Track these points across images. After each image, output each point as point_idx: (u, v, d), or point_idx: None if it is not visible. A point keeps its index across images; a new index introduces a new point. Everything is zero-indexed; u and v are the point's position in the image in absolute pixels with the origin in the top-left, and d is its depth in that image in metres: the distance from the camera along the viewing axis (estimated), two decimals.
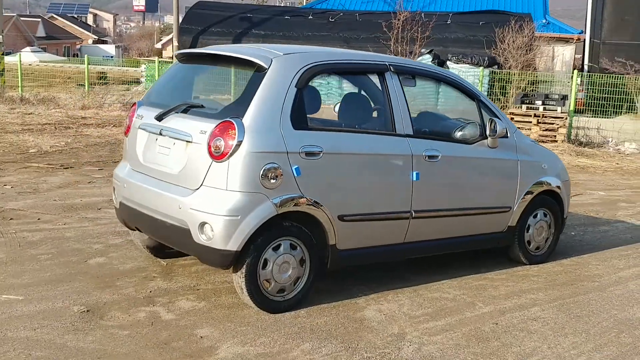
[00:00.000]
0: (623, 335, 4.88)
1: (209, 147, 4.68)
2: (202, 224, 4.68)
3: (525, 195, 6.28)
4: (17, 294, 5.03)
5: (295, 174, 4.79)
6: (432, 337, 4.65)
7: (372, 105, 5.65)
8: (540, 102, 17.03)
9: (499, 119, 6.01)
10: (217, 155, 4.65)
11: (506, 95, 20.77)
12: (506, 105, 19.09)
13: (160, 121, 5.13)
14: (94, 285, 5.29)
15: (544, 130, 16.70)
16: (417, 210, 5.51)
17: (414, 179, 5.43)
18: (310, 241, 4.99)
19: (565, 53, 27.73)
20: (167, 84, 5.74)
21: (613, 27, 28.98)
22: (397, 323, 4.86)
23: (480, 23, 27.77)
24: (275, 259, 4.85)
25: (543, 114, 16.87)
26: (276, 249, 4.86)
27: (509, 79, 21.19)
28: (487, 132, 5.91)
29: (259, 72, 4.87)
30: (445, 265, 6.20)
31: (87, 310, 4.78)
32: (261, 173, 4.66)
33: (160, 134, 5.10)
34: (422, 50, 22.43)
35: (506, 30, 22.72)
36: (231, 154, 4.61)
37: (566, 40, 31.43)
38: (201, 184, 4.75)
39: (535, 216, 6.47)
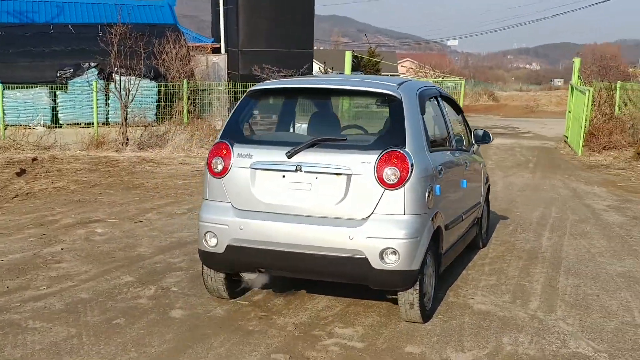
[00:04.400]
0: None
1: (380, 177, 4.96)
2: (384, 250, 4.95)
3: (484, 191, 7.56)
4: (195, 359, 4.63)
5: (437, 192, 5.35)
6: (570, 312, 5.65)
7: (443, 124, 6.32)
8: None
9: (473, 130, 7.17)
10: (391, 184, 4.96)
11: (172, 107, 21.41)
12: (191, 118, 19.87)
13: (290, 158, 5.13)
14: (233, 335, 5.06)
15: None
16: (464, 212, 6.42)
17: (464, 186, 6.32)
18: (435, 251, 5.57)
19: (218, 62, 29.39)
20: (252, 119, 5.63)
21: (248, 36, 31.63)
22: (512, 310, 5.74)
23: (123, 34, 27.82)
24: (426, 272, 5.35)
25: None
26: (424, 262, 5.35)
27: (173, 90, 21.95)
28: (474, 141, 7.02)
29: (392, 102, 5.28)
30: None
31: (290, 357, 4.70)
32: (426, 195, 5.13)
33: (298, 170, 5.11)
34: (90, 63, 21.97)
35: (165, 42, 23.29)
36: (406, 181, 4.98)
37: (200, 49, 33.15)
38: (372, 213, 5.00)
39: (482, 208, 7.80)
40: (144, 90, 19.21)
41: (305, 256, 5.07)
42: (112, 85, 17.96)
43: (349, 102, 4.88)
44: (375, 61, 38.66)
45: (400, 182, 4.95)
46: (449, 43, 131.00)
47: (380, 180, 4.95)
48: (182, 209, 9.57)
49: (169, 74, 22.55)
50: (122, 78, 17.17)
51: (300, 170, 5.11)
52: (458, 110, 7.08)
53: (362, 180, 4.99)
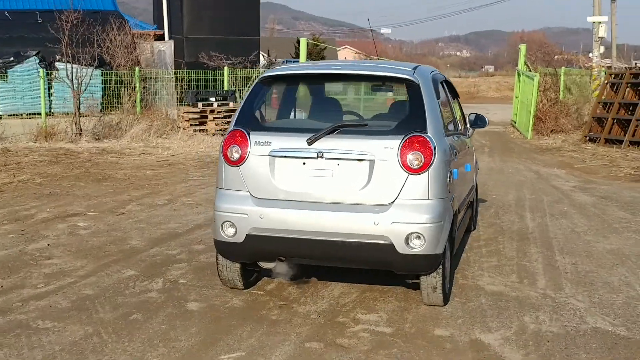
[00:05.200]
0: None
1: (404, 162, 4.96)
2: (410, 235, 4.95)
3: (476, 174, 7.66)
4: (228, 352, 4.56)
5: (455, 176, 5.40)
6: (577, 289, 5.78)
7: (450, 109, 6.34)
8: (214, 99, 18.09)
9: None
10: (415, 169, 4.96)
11: (119, 96, 20.95)
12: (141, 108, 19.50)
13: (310, 145, 5.08)
14: (259, 325, 4.98)
15: (223, 125, 17.85)
16: (467, 195, 6.50)
17: (468, 170, 6.39)
18: (450, 234, 5.60)
19: (164, 50, 28.83)
20: (267, 105, 5.54)
21: (193, 23, 31.12)
22: (523, 290, 5.84)
23: (75, 21, 27.02)
24: (447, 255, 5.39)
25: (217, 110, 17.99)
26: (446, 246, 5.37)
27: (120, 79, 21.50)
28: (469, 125, 7.09)
29: (411, 87, 5.28)
30: None
31: (325, 345, 4.68)
32: (447, 179, 5.16)
33: (320, 157, 5.06)
34: (31, 51, 21.32)
35: (109, 29, 22.74)
36: (430, 166, 4.99)
37: (143, 37, 32.45)
38: (396, 198, 4.99)
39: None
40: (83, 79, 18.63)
41: (329, 243, 5.03)
42: (62, 73, 17.30)
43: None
44: (320, 48, 38.62)
45: (424, 167, 4.95)
46: (383, 31, 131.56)
47: (404, 165, 4.94)
48: (162, 200, 9.38)
49: (114, 62, 22.00)
50: (74, 66, 16.58)
51: (322, 157, 5.05)
52: (455, 94, 7.13)
53: (386, 165, 4.97)
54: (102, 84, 20.45)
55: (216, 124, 17.82)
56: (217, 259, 5.59)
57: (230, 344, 4.65)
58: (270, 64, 36.41)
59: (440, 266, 5.17)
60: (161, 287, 5.82)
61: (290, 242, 5.11)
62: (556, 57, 28.15)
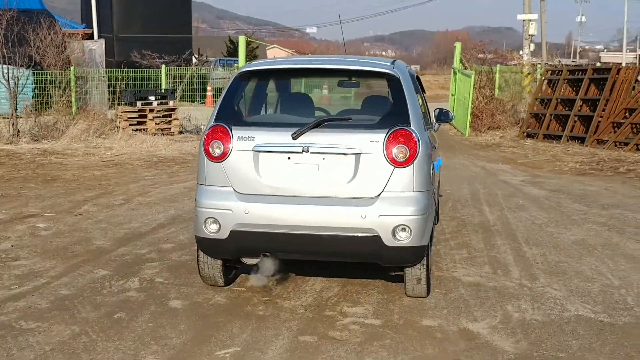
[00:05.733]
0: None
1: (389, 155, 5.01)
2: (397, 227, 5.00)
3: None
4: (223, 347, 4.51)
5: (436, 169, 5.48)
6: (552, 279, 5.95)
7: (423, 103, 6.41)
8: (153, 98, 17.76)
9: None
10: (401, 162, 5.02)
11: (52, 96, 20.45)
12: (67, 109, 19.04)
13: (295, 139, 5.07)
14: (247, 321, 4.95)
15: (163, 124, 17.56)
16: (437, 189, 6.60)
17: (440, 163, 6.49)
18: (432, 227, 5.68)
19: (95, 49, 28.15)
20: (245, 100, 5.50)
21: (123, 21, 30.53)
22: (499, 280, 5.98)
23: (10, 20, 26.12)
24: (429, 247, 5.46)
25: (157, 109, 17.66)
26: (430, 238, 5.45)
27: (51, 79, 21.00)
28: (435, 120, 7.20)
29: (392, 81, 5.33)
30: None
31: (319, 338, 4.69)
32: (430, 172, 5.25)
33: (305, 151, 5.06)
34: None
35: (39, 28, 22.09)
36: (414, 159, 5.05)
37: (73, 36, 31.63)
38: (382, 191, 5.03)
39: None
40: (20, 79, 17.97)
41: (316, 237, 5.03)
42: None
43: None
44: (253, 47, 38.49)
45: (409, 160, 5.00)
46: (308, 30, 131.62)
47: (390, 159, 4.99)
48: (118, 200, 9.18)
49: (44, 61, 21.35)
50: (9, 67, 15.99)
51: (307, 152, 5.04)
52: (422, 89, 7.23)
53: (371, 159, 5.00)
54: (34, 84, 19.84)
55: (156, 123, 17.50)
56: (197, 256, 5.51)
57: (223, 340, 4.60)
58: (203, 63, 36.18)
59: (425, 258, 5.23)
60: (138, 286, 5.70)
61: (276, 237, 5.09)
62: (489, 55, 28.73)
